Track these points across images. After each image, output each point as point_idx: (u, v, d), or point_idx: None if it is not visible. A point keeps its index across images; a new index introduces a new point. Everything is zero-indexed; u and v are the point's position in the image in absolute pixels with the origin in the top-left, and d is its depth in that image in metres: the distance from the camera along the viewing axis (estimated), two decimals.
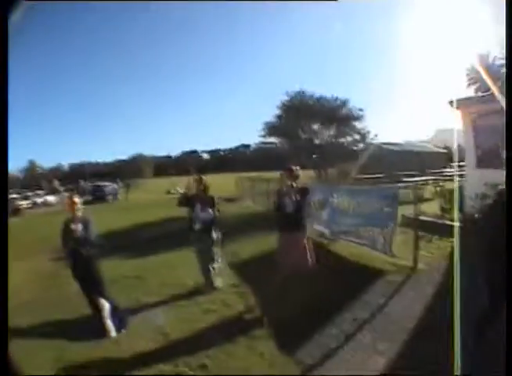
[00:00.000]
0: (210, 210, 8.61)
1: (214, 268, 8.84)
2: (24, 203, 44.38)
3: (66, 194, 51.76)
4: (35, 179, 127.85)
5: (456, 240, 9.66)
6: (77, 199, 7.10)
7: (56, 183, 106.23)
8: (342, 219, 11.68)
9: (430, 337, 5.55)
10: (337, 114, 32.48)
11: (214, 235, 8.78)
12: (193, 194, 8.94)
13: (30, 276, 11.85)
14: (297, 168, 8.12)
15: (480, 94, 23.38)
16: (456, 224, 10.38)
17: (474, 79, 30.33)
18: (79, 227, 6.84)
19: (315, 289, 7.68)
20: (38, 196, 54.76)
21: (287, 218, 7.85)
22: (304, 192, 7.91)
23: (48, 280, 11.11)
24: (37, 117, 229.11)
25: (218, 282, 8.88)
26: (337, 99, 33.29)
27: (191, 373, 5.40)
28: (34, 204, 45.80)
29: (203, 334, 6.58)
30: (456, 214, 11.75)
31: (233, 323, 6.96)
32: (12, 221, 31.51)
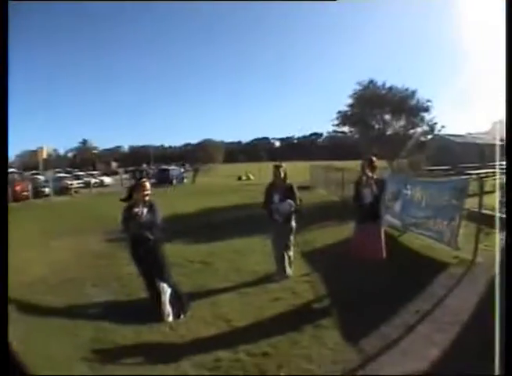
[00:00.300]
0: (289, 199, 8.70)
1: (289, 257, 9.04)
2: (75, 182, 45.77)
3: (125, 176, 53.54)
4: (89, 160, 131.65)
5: (497, 234, 9.89)
6: (146, 183, 7.25)
7: (114, 165, 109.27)
8: (414, 211, 12.01)
9: (482, 330, 5.70)
10: (407, 104, 32.61)
11: (293, 224, 8.94)
12: (272, 182, 9.13)
13: (78, 254, 12.44)
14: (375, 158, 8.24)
15: None
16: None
17: None
18: (143, 211, 7.04)
19: (384, 280, 7.83)
20: (92, 176, 56.31)
21: (365, 208, 8.00)
22: (382, 183, 8.04)
23: (98, 259, 11.62)
24: (103, 98, 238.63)
25: (290, 270, 9.02)
26: (407, 89, 33.39)
27: (248, 360, 5.55)
28: (88, 184, 46.87)
29: (268, 322, 6.77)
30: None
31: (300, 312, 7.13)
32: (60, 199, 32.81)
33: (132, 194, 7.13)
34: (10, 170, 68.00)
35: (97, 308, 7.83)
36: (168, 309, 7.03)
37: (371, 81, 33.31)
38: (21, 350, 5.02)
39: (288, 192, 8.78)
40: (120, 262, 10.31)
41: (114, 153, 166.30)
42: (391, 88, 33.35)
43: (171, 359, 5.60)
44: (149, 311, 7.11)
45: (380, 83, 33.57)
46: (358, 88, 33.42)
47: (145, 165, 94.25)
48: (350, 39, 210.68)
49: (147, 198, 7.13)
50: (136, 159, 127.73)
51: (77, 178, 51.29)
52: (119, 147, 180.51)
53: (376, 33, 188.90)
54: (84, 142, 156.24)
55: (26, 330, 6.52)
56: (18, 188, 35.05)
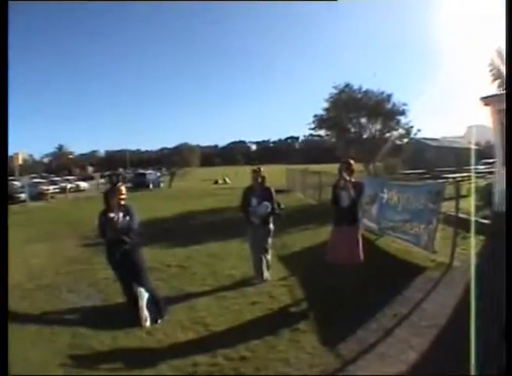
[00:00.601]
0: (267, 202, 8.76)
1: (266, 260, 9.08)
2: (51, 188, 45.42)
3: (101, 181, 53.22)
4: (65, 165, 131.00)
5: (473, 237, 10.37)
6: (122, 187, 7.23)
7: (90, 169, 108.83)
8: (390, 215, 12.12)
9: (459, 333, 5.76)
10: (383, 108, 32.77)
11: (271, 226, 9.01)
12: (250, 186, 9.21)
13: (54, 259, 12.30)
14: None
15: (502, 90, 22.93)
16: (472, 220, 10.82)
17: (496, 75, 29.47)
18: (119, 216, 6.97)
19: (360, 284, 7.85)
20: (68, 181, 55.88)
21: (343, 212, 8.01)
22: (359, 187, 8.06)
23: (73, 264, 11.49)
24: (75, 102, 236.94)
25: (267, 274, 9.06)
26: (383, 92, 33.57)
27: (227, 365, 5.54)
28: (63, 189, 46.41)
29: (246, 326, 6.78)
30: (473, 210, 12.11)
31: (277, 316, 7.15)
32: (36, 205, 32.58)
33: (108, 199, 7.07)
34: None
35: (74, 313, 7.74)
36: (145, 313, 6.94)
37: (347, 85, 33.50)
38: None
39: (266, 195, 8.84)
40: (96, 267, 10.29)
41: (90, 158, 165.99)
42: (366, 92, 33.57)
43: (149, 364, 5.56)
44: (126, 316, 7.06)
45: (356, 86, 33.79)
46: (334, 91, 33.57)
47: (121, 170, 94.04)
48: (326, 43, 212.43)
49: (123, 202, 7.09)
50: (112, 163, 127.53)
51: (53, 183, 50.74)
52: (95, 152, 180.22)
53: (352, 37, 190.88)
54: (60, 147, 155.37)
55: None
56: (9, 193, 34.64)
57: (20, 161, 43.83)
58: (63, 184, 50.81)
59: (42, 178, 64.04)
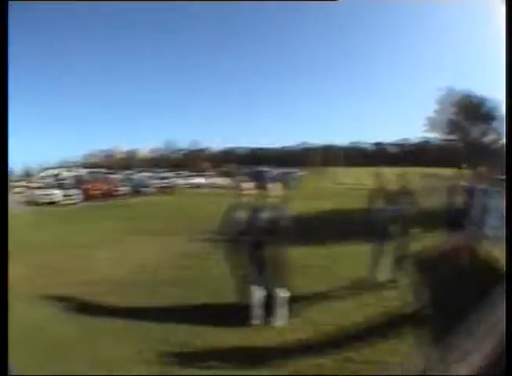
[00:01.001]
0: (393, 205, 8.96)
1: (386, 262, 9.20)
2: (157, 183, 46.22)
3: (238, 179, 54.07)
4: (178, 160, 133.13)
5: None
6: (243, 184, 7.53)
7: (205, 165, 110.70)
8: (493, 221, 11.55)
9: None
10: (484, 111, 31.62)
11: (393, 230, 9.12)
12: (376, 188, 9.43)
13: (165, 254, 12.82)
14: (485, 167, 8.22)
15: None
16: None
17: None
18: (246, 212, 7.25)
19: (459, 290, 7.87)
20: (182, 176, 56.80)
21: (455, 216, 8.01)
22: (472, 192, 8.03)
23: (193, 260, 11.87)
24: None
25: (384, 276, 9.15)
26: (484, 97, 32.38)
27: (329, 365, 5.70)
28: (175, 184, 47.37)
29: (355, 328, 6.89)
30: None
31: (386, 319, 7.26)
32: (134, 201, 34.23)
33: (239, 196, 7.41)
34: (97, 170, 69.81)
35: (183, 310, 8.02)
36: (258, 312, 7.11)
37: (453, 88, 32.79)
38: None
39: (393, 198, 9.06)
40: (210, 264, 10.74)
41: (203, 153, 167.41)
42: (469, 96, 32.72)
43: (253, 362, 5.82)
44: (236, 314, 7.28)
45: (461, 89, 32.97)
46: (443, 94, 32.94)
47: (232, 166, 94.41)
48: (432, 43, 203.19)
49: (246, 199, 7.40)
50: (227, 160, 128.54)
51: (163, 178, 51.77)
52: (209, 148, 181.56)
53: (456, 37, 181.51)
54: (169, 142, 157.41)
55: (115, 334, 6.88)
56: (108, 186, 36.89)
57: (141, 155, 45.35)
58: (174, 179, 52.23)
59: (171, 171, 65.60)
